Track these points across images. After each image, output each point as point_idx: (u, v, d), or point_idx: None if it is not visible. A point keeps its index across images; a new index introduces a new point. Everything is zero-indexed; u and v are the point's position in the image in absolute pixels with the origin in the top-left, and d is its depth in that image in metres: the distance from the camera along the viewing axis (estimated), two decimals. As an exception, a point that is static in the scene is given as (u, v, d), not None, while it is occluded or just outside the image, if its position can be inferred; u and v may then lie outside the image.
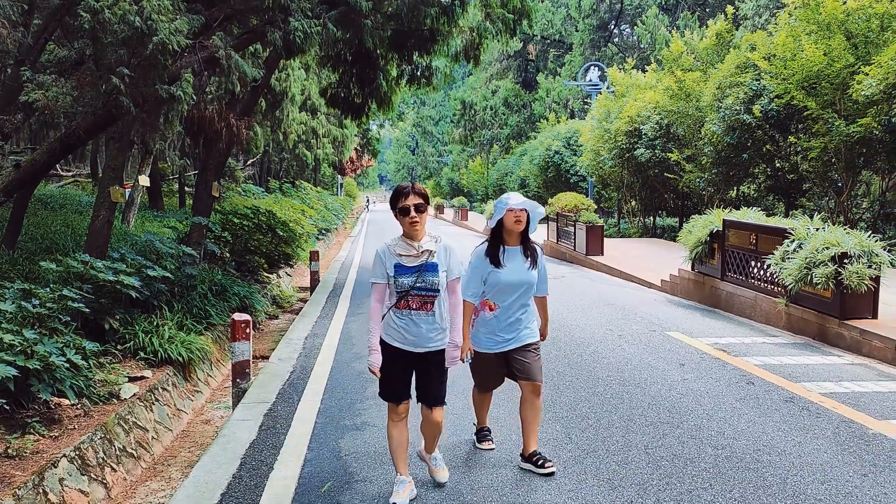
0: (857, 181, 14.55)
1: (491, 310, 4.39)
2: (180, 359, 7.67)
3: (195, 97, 9.97)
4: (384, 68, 15.58)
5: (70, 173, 26.67)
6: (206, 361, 8.56)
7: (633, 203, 25.07)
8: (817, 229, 8.36)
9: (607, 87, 26.91)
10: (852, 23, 13.69)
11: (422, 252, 3.83)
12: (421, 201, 3.82)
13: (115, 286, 7.39)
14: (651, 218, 24.76)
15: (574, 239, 18.11)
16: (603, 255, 16.84)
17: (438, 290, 3.84)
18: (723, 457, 4.52)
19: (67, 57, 10.17)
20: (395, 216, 3.88)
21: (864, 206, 15.67)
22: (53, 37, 10.08)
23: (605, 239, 18.16)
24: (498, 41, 15.22)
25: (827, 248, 7.79)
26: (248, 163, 30.75)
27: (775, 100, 14.59)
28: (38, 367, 5.33)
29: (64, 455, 4.93)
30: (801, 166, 15.52)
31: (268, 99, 20.27)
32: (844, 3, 13.94)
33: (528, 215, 4.36)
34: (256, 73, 11.16)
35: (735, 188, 19.41)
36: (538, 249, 4.55)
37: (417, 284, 3.79)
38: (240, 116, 12.19)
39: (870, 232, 8.28)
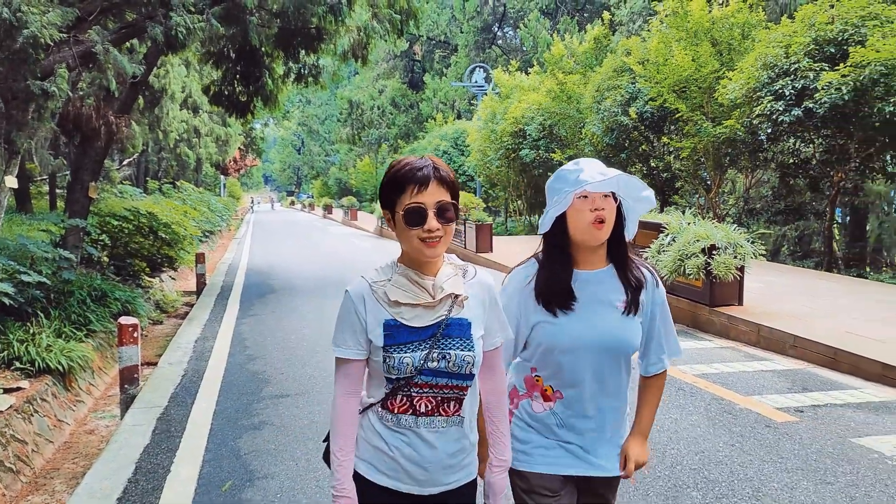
0: (723, 179, 15.60)
1: (546, 399, 2.20)
2: (60, 368, 7.32)
3: (70, 93, 9.54)
4: (270, 66, 15.40)
5: (-77, 174, 24.70)
6: (88, 370, 8.21)
7: (520, 202, 25.78)
8: (689, 224, 8.96)
9: (492, 89, 27.53)
10: (717, 31, 14.69)
11: (441, 299, 1.92)
12: (448, 199, 1.88)
13: (-14, 293, 6.98)
14: (537, 216, 25.54)
15: (464, 237, 18.52)
16: (492, 251, 17.27)
17: (472, 376, 1.94)
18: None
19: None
20: (391, 222, 1.95)
21: (730, 203, 16.82)
22: None
23: (494, 237, 18.66)
24: (385, 41, 15.34)
25: (698, 240, 8.37)
26: (125, 163, 29.38)
27: (650, 102, 15.42)
28: None
29: (-64, 472, 4.66)
30: (674, 165, 16.46)
31: (146, 96, 19.53)
32: (710, 11, 14.92)
33: (617, 204, 2.12)
34: (136, 69, 10.76)
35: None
36: (648, 274, 2.23)
37: (430, 365, 1.89)
38: (118, 114, 11.73)
39: (735, 225, 8.94)
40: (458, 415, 1.93)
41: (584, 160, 2.11)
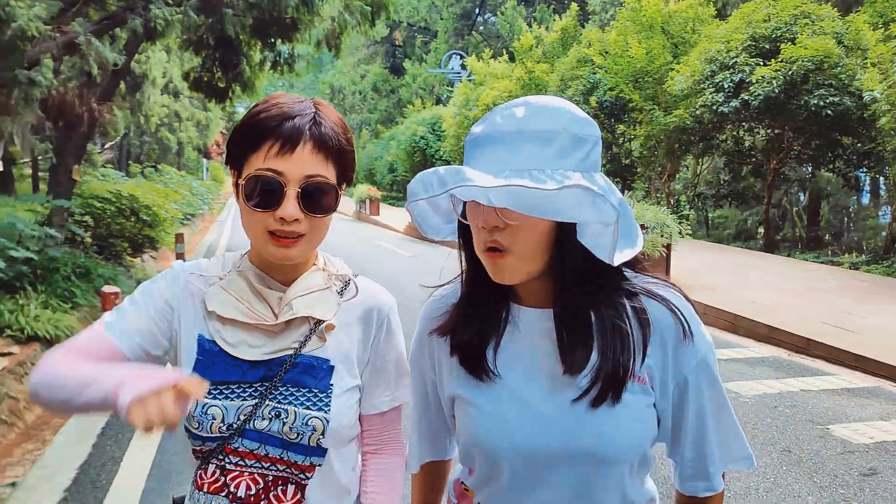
0: (680, 165, 16.48)
1: None
2: (47, 336, 7.97)
3: (54, 81, 10.19)
4: (247, 54, 16.00)
5: None
6: (74, 338, 8.91)
7: (493, 186, 26.55)
8: (624, 206, 9.81)
9: (468, 76, 28.25)
10: (671, 25, 15.53)
11: (289, 323, 1.25)
12: (325, 175, 1.18)
13: (-23, 267, 7.66)
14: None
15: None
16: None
17: (321, 452, 1.24)
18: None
19: (-81, 40, 10.09)
20: (235, 190, 1.22)
21: (679, 188, 17.72)
22: None
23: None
24: (357, 31, 16.06)
25: (630, 221, 9.23)
26: (107, 146, 29.89)
27: (608, 92, 16.23)
28: (-89, 339, 5.71)
29: (-60, 418, 5.36)
30: (633, 152, 17.32)
31: (128, 81, 20.10)
32: (667, 5, 15.74)
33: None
34: (117, 58, 11.41)
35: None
36: (665, 314, 1.14)
37: (258, 424, 1.22)
38: (100, 100, 12.38)
39: (663, 206, 9.82)
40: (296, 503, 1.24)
41: (503, 109, 1.12)
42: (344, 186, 1.25)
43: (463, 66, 31.40)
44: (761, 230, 16.30)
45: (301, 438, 1.21)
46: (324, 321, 1.25)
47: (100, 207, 14.15)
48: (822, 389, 5.45)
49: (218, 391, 1.21)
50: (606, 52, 16.35)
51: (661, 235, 9.02)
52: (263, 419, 1.21)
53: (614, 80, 15.67)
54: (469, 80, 27.07)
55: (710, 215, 16.89)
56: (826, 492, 3.65)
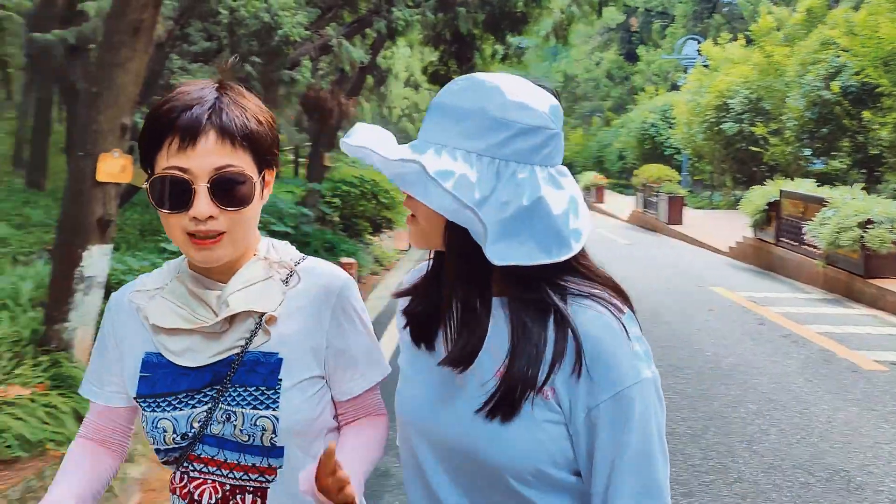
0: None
1: None
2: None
3: (312, 80, 11.76)
4: (480, 47, 17.07)
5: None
6: (319, 303, 10.32)
7: (724, 176, 25.48)
8: (852, 198, 9.28)
9: (703, 62, 27.25)
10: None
11: (230, 320, 1.20)
12: (236, 163, 1.12)
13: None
14: (739, 190, 25.13)
15: (657, 208, 19.19)
16: (682, 224, 17.78)
17: (277, 451, 1.19)
18: (707, 367, 5.86)
19: (209, 48, 12.15)
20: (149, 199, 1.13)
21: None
22: (190, 22, 12.02)
23: (696, 210, 19.18)
24: (584, 23, 16.42)
25: (856, 214, 8.76)
26: (356, 135, 32.82)
27: (853, 76, 15.03)
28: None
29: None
30: (882, 142, 15.83)
31: (374, 76, 22.12)
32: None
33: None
34: (364, 56, 12.83)
35: (821, 161, 19.68)
36: (588, 332, 1.00)
37: (214, 430, 1.19)
38: (348, 95, 13.98)
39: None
40: None
41: (453, 83, 1.08)
42: (272, 172, 1.20)
43: (698, 52, 30.27)
44: None
45: (252, 440, 1.16)
46: (266, 314, 1.19)
47: (346, 190, 15.89)
48: None
49: (166, 402, 1.19)
50: (853, 34, 15.13)
51: (891, 231, 8.45)
52: (217, 423, 1.17)
53: (860, 64, 14.49)
54: (704, 66, 26.09)
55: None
56: None
